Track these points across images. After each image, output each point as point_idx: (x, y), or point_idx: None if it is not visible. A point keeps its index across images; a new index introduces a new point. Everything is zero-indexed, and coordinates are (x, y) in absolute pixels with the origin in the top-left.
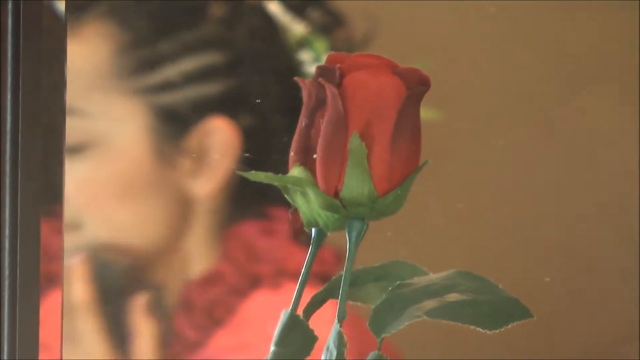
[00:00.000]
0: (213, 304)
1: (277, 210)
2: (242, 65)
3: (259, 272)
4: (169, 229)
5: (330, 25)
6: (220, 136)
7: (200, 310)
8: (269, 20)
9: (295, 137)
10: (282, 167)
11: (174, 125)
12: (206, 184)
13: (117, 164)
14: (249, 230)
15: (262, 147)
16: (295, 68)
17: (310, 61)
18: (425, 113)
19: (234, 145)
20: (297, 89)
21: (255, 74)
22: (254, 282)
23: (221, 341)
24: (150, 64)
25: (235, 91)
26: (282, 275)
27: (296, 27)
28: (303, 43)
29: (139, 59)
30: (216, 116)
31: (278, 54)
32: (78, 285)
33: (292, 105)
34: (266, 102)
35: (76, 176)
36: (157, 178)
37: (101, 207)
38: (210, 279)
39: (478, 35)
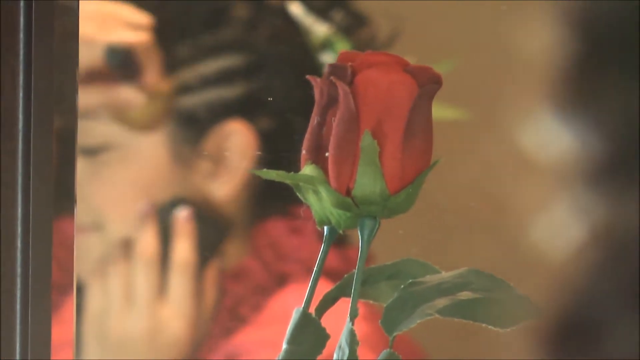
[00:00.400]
0: (239, 300)
1: (305, 209)
2: (263, 67)
3: (286, 270)
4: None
5: (353, 26)
6: (238, 139)
7: (226, 308)
8: (290, 22)
9: (307, 135)
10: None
11: (193, 128)
12: (225, 186)
13: (136, 166)
14: (276, 228)
15: (284, 149)
16: (317, 70)
17: (332, 62)
18: (450, 113)
19: (252, 148)
20: None
21: (277, 77)
22: (281, 280)
23: (246, 336)
24: (170, 67)
25: (256, 94)
26: (309, 273)
27: (318, 29)
28: (325, 44)
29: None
30: (234, 119)
31: (300, 56)
32: (183, 243)
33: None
34: (287, 105)
35: (96, 178)
36: (175, 180)
37: (121, 209)
38: (237, 276)
39: (501, 34)
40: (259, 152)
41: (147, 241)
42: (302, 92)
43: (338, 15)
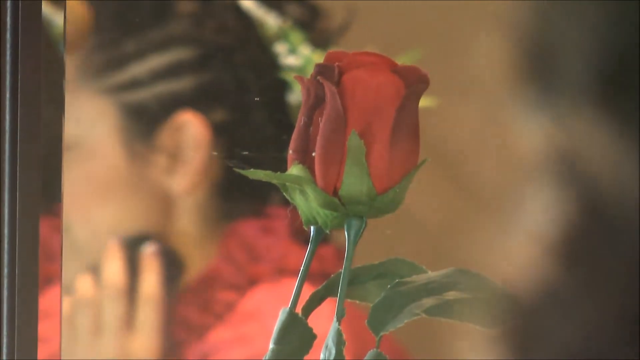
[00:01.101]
0: (211, 301)
1: (276, 208)
2: (213, 60)
3: (258, 270)
4: (152, 228)
5: (306, 18)
6: (190, 131)
7: (198, 308)
8: (241, 15)
9: (294, 136)
10: (261, 163)
11: (144, 122)
12: (183, 180)
13: (91, 165)
14: (248, 228)
15: (238, 142)
16: (271, 61)
17: (285, 53)
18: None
19: (206, 139)
20: (273, 81)
21: (229, 69)
22: (253, 280)
23: (220, 335)
24: (117, 63)
25: (208, 86)
26: (281, 273)
27: (271, 21)
28: (279, 35)
29: (106, 58)
30: (185, 111)
31: (252, 48)
32: (112, 269)
33: (269, 98)
34: (241, 96)
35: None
36: (133, 177)
37: (82, 209)
38: (208, 278)
39: (460, 26)
40: (245, 152)
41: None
42: (257, 83)
43: (290, 7)
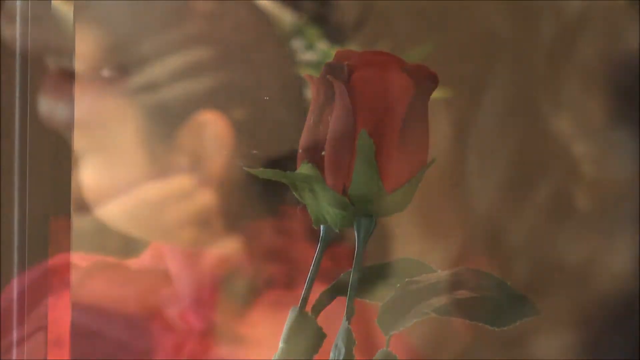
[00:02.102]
0: (226, 299)
1: (291, 208)
2: (231, 58)
3: (272, 271)
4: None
5: (322, 13)
6: (212, 130)
7: (212, 307)
8: (256, 12)
9: (304, 134)
10: (280, 162)
11: (165, 123)
12: (204, 181)
13: (112, 168)
14: (265, 228)
15: (257, 140)
16: (287, 57)
17: (302, 49)
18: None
19: (228, 138)
20: (292, 79)
21: (247, 67)
22: (268, 281)
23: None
24: (136, 65)
25: (227, 85)
26: (295, 273)
27: (286, 17)
28: (295, 31)
29: (124, 60)
30: (206, 110)
31: (269, 45)
32: None
33: (286, 95)
34: (260, 94)
35: (74, 184)
36: (153, 177)
37: (102, 212)
38: (222, 277)
39: (474, 22)
40: (255, 151)
41: None
42: (274, 80)
43: (306, 3)
